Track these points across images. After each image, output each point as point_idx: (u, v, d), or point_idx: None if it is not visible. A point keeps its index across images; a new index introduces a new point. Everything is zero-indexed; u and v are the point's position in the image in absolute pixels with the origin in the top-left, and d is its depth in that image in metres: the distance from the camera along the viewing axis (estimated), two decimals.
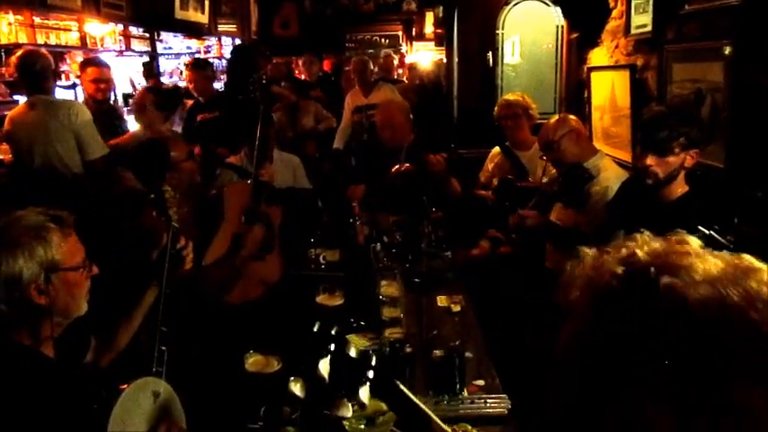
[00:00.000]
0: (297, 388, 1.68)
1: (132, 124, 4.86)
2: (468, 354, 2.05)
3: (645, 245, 0.63)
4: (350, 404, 1.50)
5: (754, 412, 0.52)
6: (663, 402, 0.55)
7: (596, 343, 0.59)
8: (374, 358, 1.12)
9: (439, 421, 0.99)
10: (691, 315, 0.55)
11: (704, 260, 0.59)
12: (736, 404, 0.52)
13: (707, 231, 1.73)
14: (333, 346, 1.08)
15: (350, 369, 1.09)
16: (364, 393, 1.08)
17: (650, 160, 2.30)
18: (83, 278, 1.65)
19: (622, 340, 0.57)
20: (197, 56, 7.61)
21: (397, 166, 3.59)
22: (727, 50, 2.52)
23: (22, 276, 1.49)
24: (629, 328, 0.57)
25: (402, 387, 1.06)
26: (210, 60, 6.98)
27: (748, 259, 0.59)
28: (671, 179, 2.31)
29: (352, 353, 1.11)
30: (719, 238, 1.71)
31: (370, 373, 1.10)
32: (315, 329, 1.16)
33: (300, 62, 7.46)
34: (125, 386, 1.53)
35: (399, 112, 3.84)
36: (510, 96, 3.87)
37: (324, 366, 1.06)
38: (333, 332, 1.13)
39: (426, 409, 1.01)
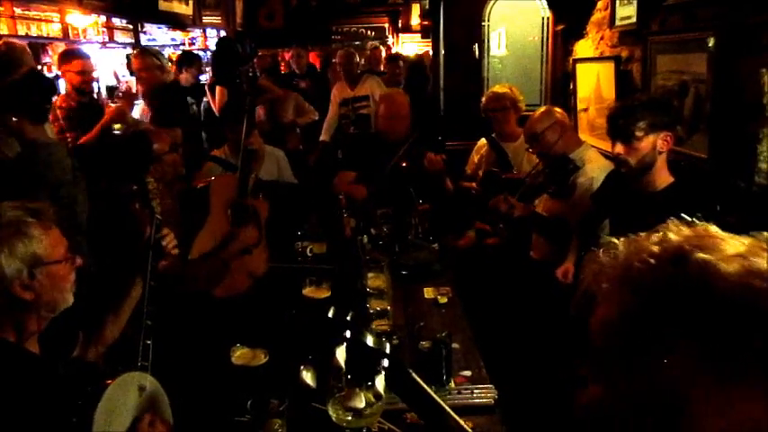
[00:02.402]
0: (308, 377, 1.66)
1: None
2: (454, 345, 2.05)
3: (677, 230, 0.68)
4: (363, 394, 1.49)
5: None
6: (703, 362, 0.58)
7: (637, 319, 0.63)
8: (389, 346, 1.11)
9: (452, 413, 1.00)
10: (725, 286, 0.58)
11: (730, 241, 0.64)
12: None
13: (689, 220, 1.75)
14: (348, 333, 1.07)
15: (365, 358, 1.08)
16: (380, 383, 1.07)
17: (618, 148, 2.34)
18: (67, 270, 1.63)
19: (660, 311, 0.61)
20: (182, 47, 7.55)
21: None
22: (711, 42, 2.54)
23: (5, 274, 1.47)
24: (666, 300, 0.61)
25: (416, 377, 1.05)
26: (196, 52, 6.92)
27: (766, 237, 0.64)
28: (647, 166, 2.32)
29: (369, 341, 1.10)
30: None
31: (386, 362, 1.09)
32: (330, 315, 1.14)
33: (288, 55, 7.43)
34: (110, 381, 1.52)
35: (406, 103, 3.82)
36: (498, 89, 3.86)
37: (341, 354, 1.05)
38: (348, 318, 1.11)
39: (440, 401, 1.01)
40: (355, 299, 2.40)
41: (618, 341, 0.64)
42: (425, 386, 1.06)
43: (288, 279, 2.67)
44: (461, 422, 0.98)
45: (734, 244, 0.62)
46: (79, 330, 1.83)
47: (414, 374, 1.06)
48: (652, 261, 0.63)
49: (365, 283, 2.48)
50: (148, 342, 1.74)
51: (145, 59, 4.69)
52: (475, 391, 1.86)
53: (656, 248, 0.64)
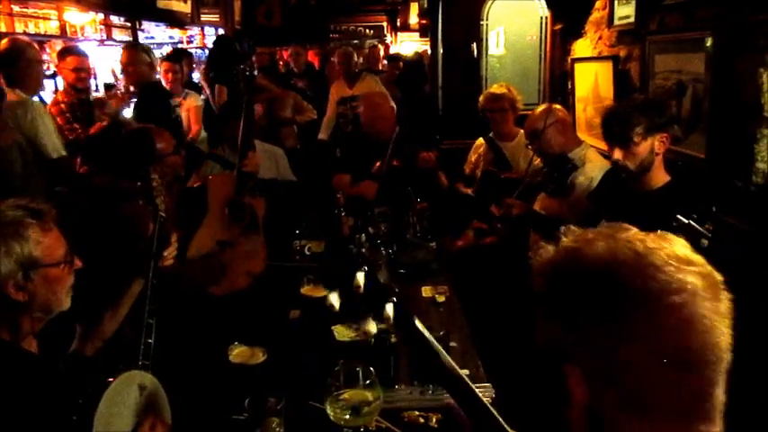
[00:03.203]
0: (334, 298, 1.93)
1: None
2: (452, 344, 2.05)
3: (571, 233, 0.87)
4: (374, 322, 1.58)
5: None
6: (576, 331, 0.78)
7: (540, 299, 0.85)
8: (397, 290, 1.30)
9: (447, 356, 1.08)
10: (586, 260, 0.79)
11: (597, 230, 0.83)
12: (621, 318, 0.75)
13: (685, 220, 1.75)
14: (366, 268, 1.21)
15: (377, 290, 1.22)
16: (390, 310, 1.20)
17: (617, 154, 2.34)
18: (65, 273, 1.61)
19: (549, 293, 0.83)
20: (179, 46, 7.54)
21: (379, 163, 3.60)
22: (709, 41, 2.54)
23: (0, 273, 1.46)
24: (551, 285, 0.83)
25: (418, 323, 1.11)
26: (191, 50, 6.90)
27: (624, 225, 0.83)
28: (645, 168, 2.33)
29: (381, 278, 1.27)
30: (698, 227, 1.73)
31: (394, 299, 1.23)
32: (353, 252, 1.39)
33: (287, 53, 7.43)
34: (111, 380, 1.52)
35: (386, 102, 3.83)
36: (496, 89, 3.85)
37: (360, 277, 1.14)
38: (363, 250, 1.36)
39: (438, 347, 1.09)
40: (353, 298, 2.40)
41: (542, 312, 0.84)
42: (426, 332, 1.12)
43: (286, 277, 2.68)
44: (454, 364, 1.08)
45: (599, 229, 0.83)
46: (76, 324, 1.83)
47: (416, 319, 1.13)
48: (546, 255, 0.85)
49: None
50: (150, 341, 1.74)
51: (134, 54, 4.43)
52: None
53: (551, 247, 0.85)
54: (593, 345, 0.76)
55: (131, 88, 4.71)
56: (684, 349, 0.73)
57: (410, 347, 1.30)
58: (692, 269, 0.75)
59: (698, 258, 0.78)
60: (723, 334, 0.74)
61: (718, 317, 0.74)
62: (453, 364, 1.07)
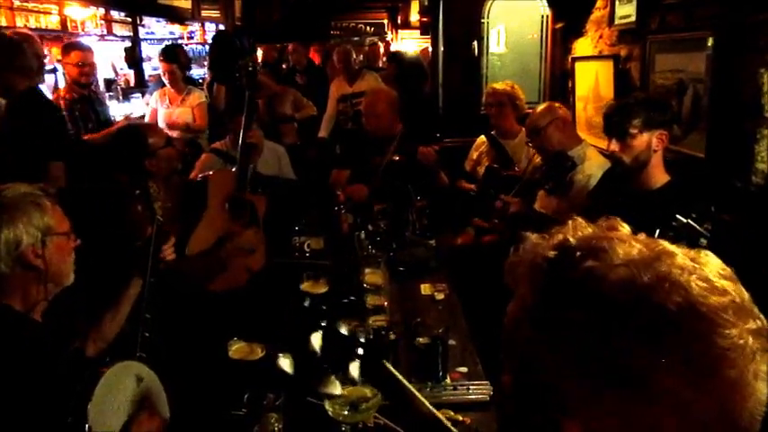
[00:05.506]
0: (286, 364, 1.74)
1: (114, 110, 4.79)
2: (451, 341, 2.06)
3: (578, 230, 0.68)
4: (338, 381, 1.52)
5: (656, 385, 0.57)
6: (575, 369, 0.60)
7: (529, 316, 0.66)
8: (362, 337, 1.18)
9: (424, 400, 1.01)
10: (606, 294, 0.60)
11: (625, 245, 0.64)
12: (640, 377, 0.57)
13: (684, 220, 1.76)
14: (324, 323, 1.13)
15: (340, 345, 1.13)
16: (354, 370, 1.12)
17: (613, 146, 2.34)
18: (70, 246, 1.74)
19: (547, 314, 0.63)
20: (179, 41, 7.53)
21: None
22: (710, 41, 2.54)
23: (22, 240, 1.58)
24: (553, 304, 0.63)
25: (389, 366, 1.08)
26: (192, 46, 6.88)
27: (663, 244, 0.64)
28: (641, 165, 2.33)
29: (343, 330, 1.16)
30: (697, 227, 1.74)
31: (360, 351, 1.13)
32: (306, 305, 1.24)
33: (290, 49, 7.43)
34: (106, 369, 1.53)
35: (385, 100, 3.81)
36: (498, 85, 3.89)
37: (316, 341, 1.09)
38: (323, 308, 1.21)
39: (412, 389, 1.03)
40: (352, 295, 2.41)
41: (516, 332, 0.68)
42: (399, 375, 1.08)
43: (285, 274, 2.68)
44: (434, 410, 1.00)
45: (627, 249, 0.63)
46: (78, 324, 1.85)
47: (387, 364, 1.08)
48: (545, 265, 0.65)
49: (362, 279, 2.49)
50: (147, 334, 1.76)
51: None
52: (471, 387, 1.86)
53: (551, 253, 0.66)
54: (606, 402, 0.59)
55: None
56: (725, 415, 0.58)
57: (385, 395, 1.25)
58: (752, 325, 0.59)
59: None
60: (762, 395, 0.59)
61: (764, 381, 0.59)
62: (429, 406, 1.04)
